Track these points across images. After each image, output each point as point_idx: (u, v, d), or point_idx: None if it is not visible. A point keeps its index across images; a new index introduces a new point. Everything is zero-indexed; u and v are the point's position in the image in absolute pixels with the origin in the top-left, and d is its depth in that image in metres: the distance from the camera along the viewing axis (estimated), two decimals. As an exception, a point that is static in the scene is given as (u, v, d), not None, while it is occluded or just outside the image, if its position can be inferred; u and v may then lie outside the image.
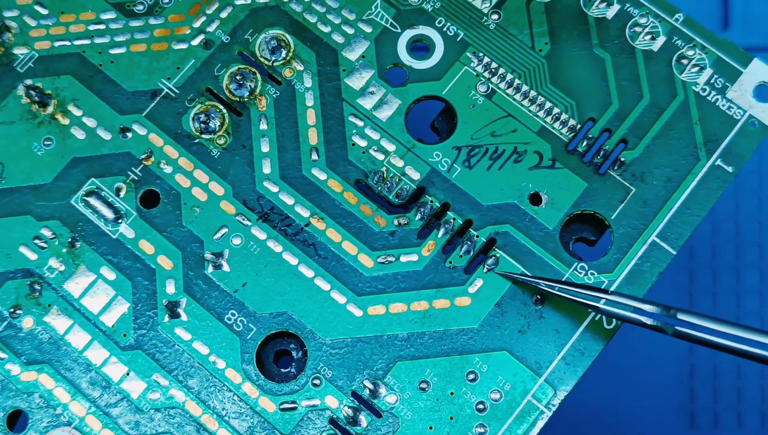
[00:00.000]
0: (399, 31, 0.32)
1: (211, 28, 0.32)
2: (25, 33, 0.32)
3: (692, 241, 0.46)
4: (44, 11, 0.32)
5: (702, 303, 0.46)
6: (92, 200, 0.31)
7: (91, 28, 0.32)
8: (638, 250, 0.30)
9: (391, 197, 0.31)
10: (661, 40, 0.32)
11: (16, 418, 0.30)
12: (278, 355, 0.30)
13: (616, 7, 0.32)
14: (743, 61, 0.32)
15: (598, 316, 0.30)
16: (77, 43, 0.32)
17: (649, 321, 0.29)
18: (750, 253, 0.46)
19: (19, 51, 0.32)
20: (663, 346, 0.45)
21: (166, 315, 0.30)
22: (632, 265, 0.30)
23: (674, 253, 0.30)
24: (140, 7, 0.32)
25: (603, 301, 0.29)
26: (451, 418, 0.29)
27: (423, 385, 0.29)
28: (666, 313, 0.28)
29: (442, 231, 0.31)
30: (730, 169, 0.31)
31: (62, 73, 0.32)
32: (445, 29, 0.32)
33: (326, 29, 0.32)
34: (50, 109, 0.31)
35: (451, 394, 0.29)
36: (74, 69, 0.32)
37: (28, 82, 0.32)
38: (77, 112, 0.31)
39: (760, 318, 0.46)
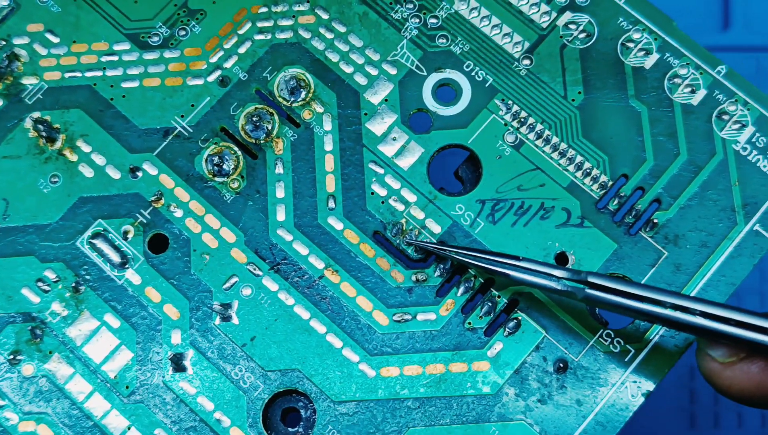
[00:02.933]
0: (425, 74, 0.31)
1: (228, 64, 0.31)
2: (35, 62, 0.31)
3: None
4: (55, 39, 0.31)
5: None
6: (98, 243, 0.30)
7: (104, 59, 0.31)
8: (668, 319, 0.29)
9: (410, 251, 0.30)
10: (702, 93, 0.30)
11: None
12: (286, 412, 0.29)
13: (655, 57, 0.31)
14: (788, 119, 0.30)
15: (623, 387, 0.28)
16: (89, 74, 0.31)
17: (558, 286, 0.27)
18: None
19: (28, 81, 0.31)
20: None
21: (171, 367, 0.29)
22: (659, 336, 0.29)
23: (706, 323, 0.29)
24: (155, 39, 0.31)
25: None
26: (464, 491, 0.28)
27: (436, 454, 0.28)
28: (576, 277, 0.27)
29: (462, 289, 0.29)
30: (769, 235, 0.29)
31: (72, 106, 0.31)
32: (473, 74, 0.31)
33: (349, 69, 0.31)
34: (58, 145, 0.30)
35: (465, 464, 0.28)
36: (84, 102, 0.31)
37: (36, 115, 0.30)
38: (86, 149, 0.30)
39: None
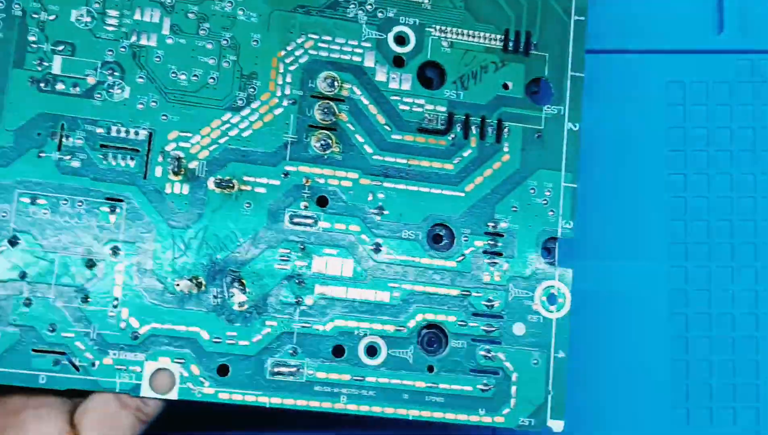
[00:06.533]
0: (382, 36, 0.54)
1: (288, 92, 0.52)
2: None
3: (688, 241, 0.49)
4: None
5: (698, 300, 0.48)
6: None
7: (225, 128, 0.51)
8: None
9: (436, 126, 0.54)
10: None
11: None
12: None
13: None
14: None
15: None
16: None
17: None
18: (745, 251, 0.48)
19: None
20: (659, 344, 0.47)
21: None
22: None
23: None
24: (240, 103, 0.51)
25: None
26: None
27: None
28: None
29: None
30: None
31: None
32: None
33: (347, 58, 0.53)
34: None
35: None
36: (234, 156, 0.51)
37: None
38: (253, 178, 0.51)
39: (755, 317, 0.48)
